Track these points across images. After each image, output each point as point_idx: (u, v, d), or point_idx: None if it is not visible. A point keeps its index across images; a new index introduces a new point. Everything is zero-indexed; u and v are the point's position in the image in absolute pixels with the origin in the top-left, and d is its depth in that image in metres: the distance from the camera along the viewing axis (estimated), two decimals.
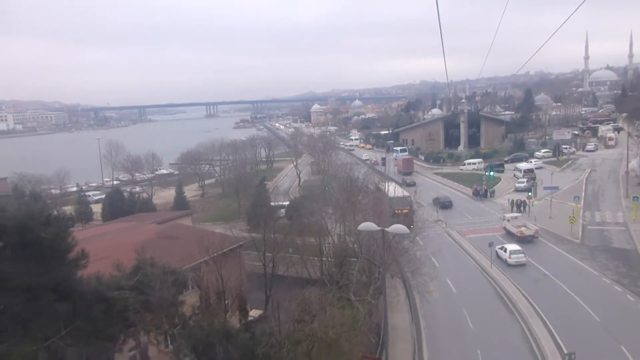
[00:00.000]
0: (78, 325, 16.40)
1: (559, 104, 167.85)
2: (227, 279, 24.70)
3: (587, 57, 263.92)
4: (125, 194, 68.53)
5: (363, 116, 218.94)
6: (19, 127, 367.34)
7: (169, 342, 24.01)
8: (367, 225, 18.82)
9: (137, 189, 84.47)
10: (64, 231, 16.38)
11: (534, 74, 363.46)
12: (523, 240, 44.04)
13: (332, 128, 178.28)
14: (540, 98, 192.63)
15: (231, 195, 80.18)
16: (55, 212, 19.58)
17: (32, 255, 15.56)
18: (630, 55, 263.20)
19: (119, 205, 60.09)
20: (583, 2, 17.29)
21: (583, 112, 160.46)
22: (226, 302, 24.79)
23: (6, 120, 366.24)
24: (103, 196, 76.03)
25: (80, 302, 16.61)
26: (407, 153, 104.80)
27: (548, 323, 28.77)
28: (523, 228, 45.47)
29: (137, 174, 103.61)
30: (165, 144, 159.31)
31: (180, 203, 60.96)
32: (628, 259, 38.86)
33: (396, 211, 42.49)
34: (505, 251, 40.12)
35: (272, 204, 52.96)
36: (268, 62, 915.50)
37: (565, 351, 23.32)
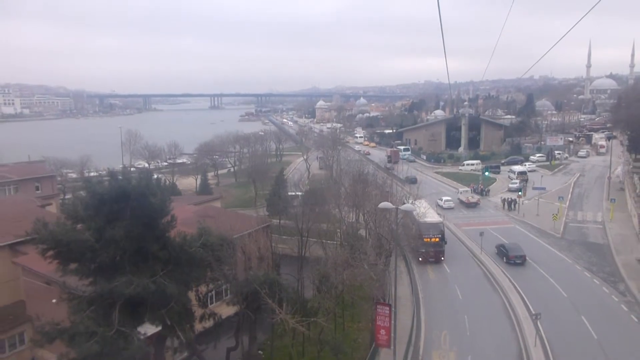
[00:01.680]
0: (171, 269, 22.33)
1: (556, 111, 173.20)
2: (265, 248, 30.77)
3: (589, 66, 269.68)
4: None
5: (367, 114, 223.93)
6: (26, 111, 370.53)
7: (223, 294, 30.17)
8: (385, 204, 24.77)
9: (160, 176, 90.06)
10: (167, 199, 22.37)
11: (538, 78, 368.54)
12: (468, 205, 62.80)
13: (338, 125, 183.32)
14: (541, 104, 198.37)
15: (245, 185, 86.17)
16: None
17: (144, 215, 21.52)
18: (632, 65, 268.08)
19: None
20: (591, 9, 18.26)
21: (582, 119, 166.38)
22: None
23: (13, 104, 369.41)
24: None
25: (172, 252, 22.62)
26: (409, 152, 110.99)
27: (524, 297, 34.89)
28: (469, 197, 64.14)
29: (152, 162, 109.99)
30: (174, 134, 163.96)
31: (205, 189, 66.72)
32: (600, 251, 44.83)
33: (425, 239, 40.98)
34: (441, 200, 61.42)
35: (289, 193, 58.93)
36: (273, 56, 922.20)
37: (533, 312, 29.47)
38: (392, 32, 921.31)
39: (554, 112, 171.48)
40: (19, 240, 32.15)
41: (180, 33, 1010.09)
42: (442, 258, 42.31)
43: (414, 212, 40.97)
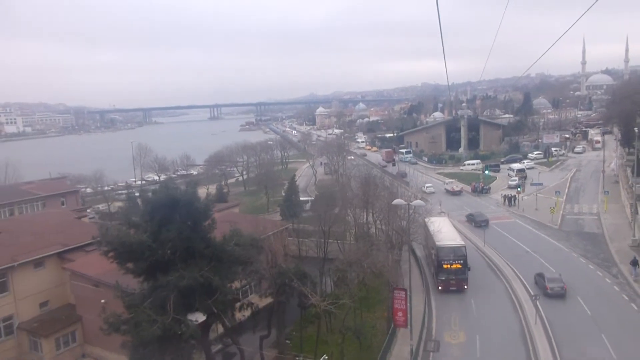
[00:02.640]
0: (214, 265, 25.65)
1: (553, 109, 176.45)
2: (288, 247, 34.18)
3: (584, 62, 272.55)
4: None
5: (367, 119, 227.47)
6: (28, 129, 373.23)
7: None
8: (398, 201, 28.20)
9: None
10: (210, 205, 25.79)
11: (535, 76, 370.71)
12: (453, 193, 73.93)
13: (338, 131, 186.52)
14: (538, 102, 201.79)
15: (254, 193, 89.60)
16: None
17: (190, 218, 24.90)
18: (626, 60, 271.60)
19: None
20: (591, 6, 17.81)
21: (579, 116, 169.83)
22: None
23: (15, 122, 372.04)
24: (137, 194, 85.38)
25: (214, 251, 25.96)
26: (411, 155, 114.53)
27: (525, 283, 38.16)
28: (454, 187, 76.06)
29: (162, 175, 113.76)
30: (178, 146, 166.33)
31: (222, 197, 70.05)
32: (595, 240, 48.19)
33: (445, 266, 37.50)
34: (424, 186, 71.63)
35: (301, 198, 62.34)
36: (271, 64, 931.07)
37: (533, 294, 32.75)
38: (388, 36, 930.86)
39: (551, 109, 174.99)
40: (66, 248, 35.66)
41: (177, 46, 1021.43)
42: (465, 287, 37.59)
43: (433, 234, 39.30)
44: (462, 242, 39.66)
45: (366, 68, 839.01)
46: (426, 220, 43.33)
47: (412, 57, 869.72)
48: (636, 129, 51.58)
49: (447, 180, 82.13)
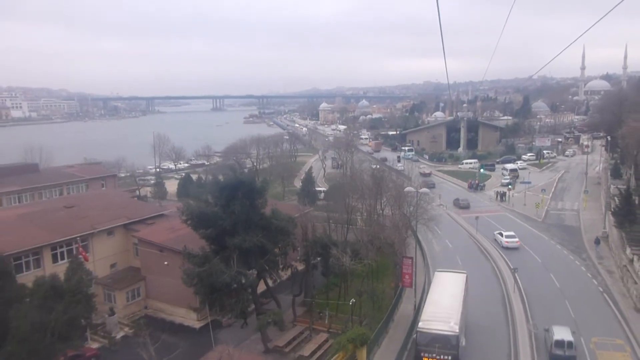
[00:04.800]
0: (264, 234, 33.15)
1: (551, 112, 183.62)
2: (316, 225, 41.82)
3: (583, 68, 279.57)
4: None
5: (370, 116, 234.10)
6: (34, 114, 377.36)
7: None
8: (409, 189, 35.76)
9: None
10: (265, 185, 33.33)
11: (536, 78, 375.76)
12: (424, 175, 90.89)
13: (342, 127, 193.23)
14: (537, 105, 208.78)
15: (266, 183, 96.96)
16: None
17: (249, 196, 32.38)
18: (624, 67, 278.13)
19: (190, 186, 76.86)
20: (607, 13, 17.91)
21: (575, 120, 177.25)
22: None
23: (21, 107, 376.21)
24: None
25: (266, 222, 33.48)
26: (413, 152, 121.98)
27: (508, 262, 45.84)
28: (425, 170, 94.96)
29: (177, 163, 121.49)
30: (184, 135, 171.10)
31: None
32: (572, 231, 56.03)
33: (425, 358, 27.21)
34: (396, 165, 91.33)
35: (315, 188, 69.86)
36: (274, 57, 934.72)
37: (512, 267, 40.46)
38: (392, 34, 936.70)
39: (549, 113, 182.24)
40: (131, 221, 43.17)
41: (181, 35, 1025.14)
42: None
43: (425, 303, 30.96)
44: (456, 330, 27.29)
45: (369, 65, 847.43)
46: (437, 273, 36.18)
47: (415, 55, 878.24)
48: (609, 138, 58.94)
49: (422, 165, 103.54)
